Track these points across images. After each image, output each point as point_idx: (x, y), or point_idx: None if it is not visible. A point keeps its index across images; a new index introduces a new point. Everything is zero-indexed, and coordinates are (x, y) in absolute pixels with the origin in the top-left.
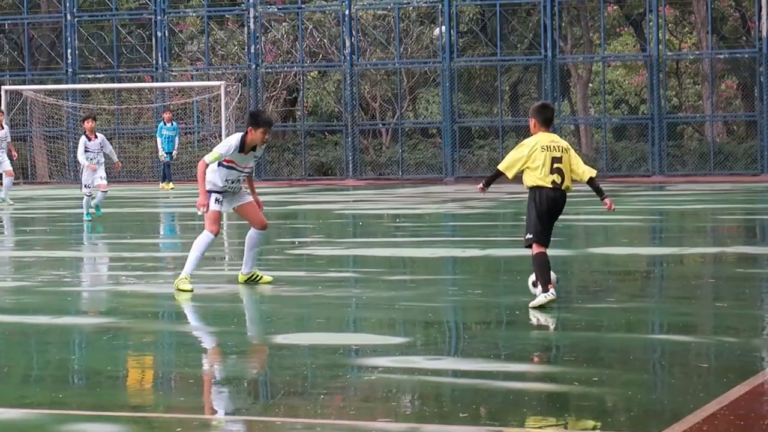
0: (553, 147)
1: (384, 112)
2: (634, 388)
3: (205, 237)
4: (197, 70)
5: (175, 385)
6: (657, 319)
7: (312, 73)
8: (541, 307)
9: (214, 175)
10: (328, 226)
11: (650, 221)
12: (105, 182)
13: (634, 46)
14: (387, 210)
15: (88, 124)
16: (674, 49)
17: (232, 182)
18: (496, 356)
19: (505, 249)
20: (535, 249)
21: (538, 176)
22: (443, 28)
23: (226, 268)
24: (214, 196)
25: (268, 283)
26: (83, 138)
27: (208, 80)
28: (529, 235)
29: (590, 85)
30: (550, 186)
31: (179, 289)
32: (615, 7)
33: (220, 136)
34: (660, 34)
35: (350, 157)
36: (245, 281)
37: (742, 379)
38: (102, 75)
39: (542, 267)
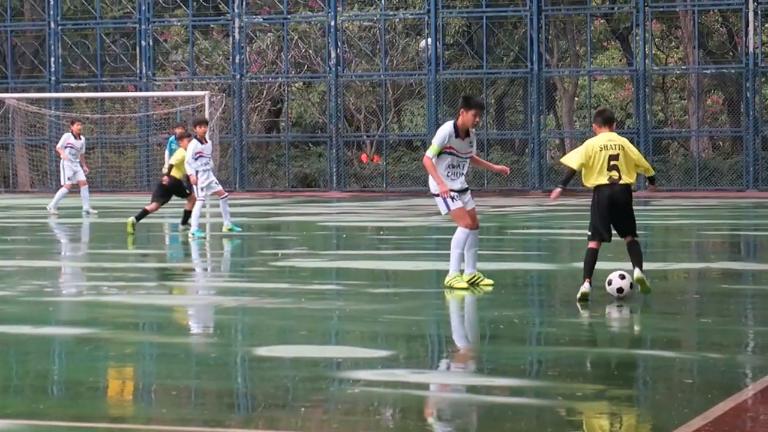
0: (610, 146)
1: (368, 123)
2: (618, 403)
3: (460, 233)
4: (181, 80)
5: (156, 397)
6: (641, 334)
7: (297, 84)
8: (582, 299)
9: (438, 169)
10: (312, 238)
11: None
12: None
13: (621, 60)
14: (371, 222)
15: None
16: (661, 63)
17: (454, 168)
18: (480, 370)
19: (488, 263)
20: (589, 245)
21: (596, 175)
22: (429, 40)
23: (210, 279)
24: (449, 195)
25: (490, 285)
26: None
27: (193, 90)
28: (588, 233)
29: (576, 98)
30: (608, 182)
31: (455, 288)
32: (602, 21)
33: None
34: (646, 49)
35: (334, 169)
36: (469, 282)
37: (726, 395)
38: (85, 84)
39: (587, 261)
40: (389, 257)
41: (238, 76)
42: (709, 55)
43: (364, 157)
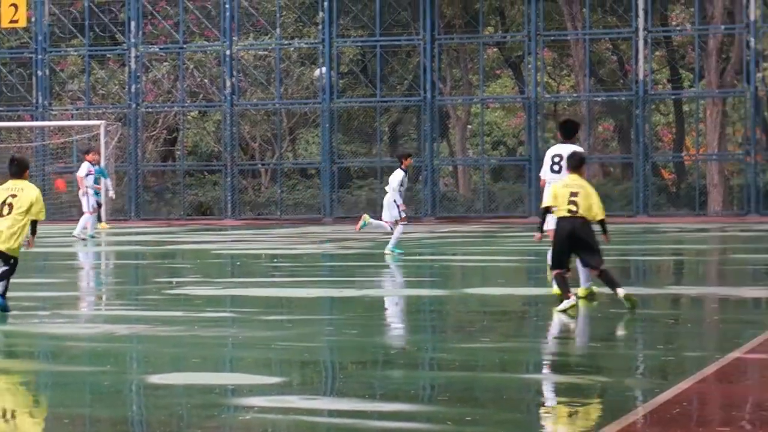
0: (572, 185)
1: (264, 152)
2: (507, 427)
3: None
4: (78, 110)
5: (48, 426)
6: (532, 358)
7: (192, 113)
8: (565, 311)
9: None
10: (206, 266)
11: (526, 261)
12: None
13: (513, 88)
14: (265, 250)
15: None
16: (552, 91)
17: None
18: (372, 396)
19: (381, 289)
20: (553, 273)
21: (559, 208)
22: (323, 69)
23: (103, 307)
24: None
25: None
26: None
27: (89, 119)
28: (549, 263)
29: (469, 126)
30: (568, 214)
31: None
32: (494, 50)
33: None
34: (538, 77)
35: (229, 197)
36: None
37: (613, 418)
38: None
39: (560, 282)
40: (283, 284)
41: (133, 105)
42: (600, 82)
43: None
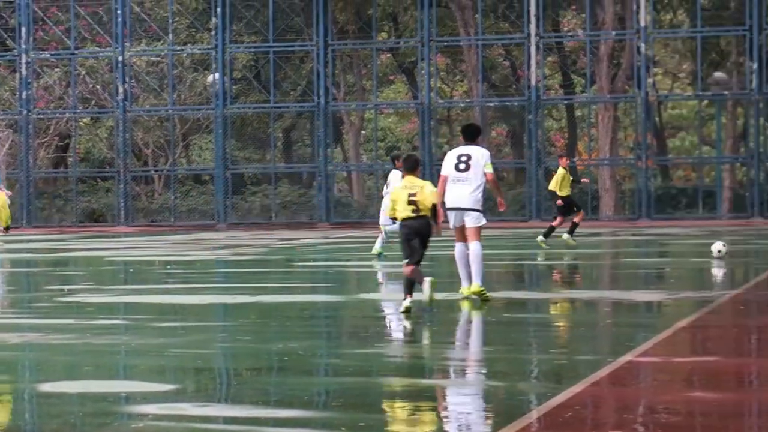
0: (410, 186)
1: (157, 158)
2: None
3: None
4: None
5: None
6: (426, 363)
7: (84, 120)
8: (407, 311)
9: None
10: (99, 273)
11: (421, 266)
12: None
13: (407, 94)
14: (158, 257)
15: None
16: (446, 96)
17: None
18: (266, 402)
19: (275, 295)
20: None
21: (401, 210)
22: (217, 74)
23: None
24: None
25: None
26: None
27: None
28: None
29: (363, 132)
30: (412, 215)
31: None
32: (388, 55)
33: None
34: (432, 82)
35: (122, 204)
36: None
37: (507, 422)
38: None
39: (406, 281)
40: (176, 291)
41: (24, 112)
42: (492, 88)
43: None
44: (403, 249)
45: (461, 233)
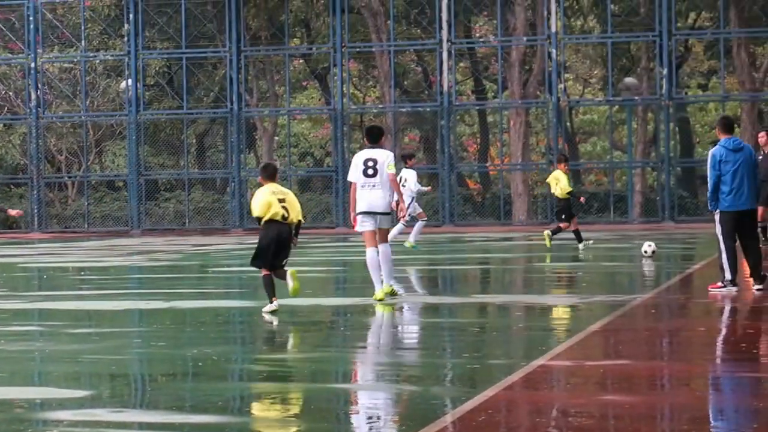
0: (278, 192)
1: (70, 164)
2: None
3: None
4: None
5: None
6: (340, 368)
7: None
8: (272, 313)
9: None
10: (12, 279)
11: (334, 272)
12: None
13: (319, 100)
14: (72, 263)
15: None
16: (358, 102)
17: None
18: (181, 408)
19: (189, 301)
20: (263, 274)
21: (270, 212)
22: (129, 81)
23: None
24: None
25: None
26: None
27: None
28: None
29: (276, 137)
30: (280, 219)
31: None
32: (300, 61)
33: None
34: (344, 88)
35: (35, 210)
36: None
37: (421, 426)
38: None
39: (266, 285)
40: (90, 297)
41: None
42: (405, 93)
43: None
44: (260, 252)
45: (373, 238)
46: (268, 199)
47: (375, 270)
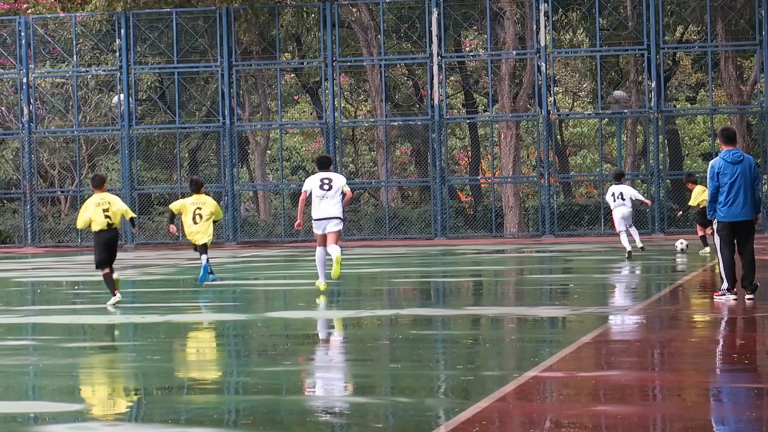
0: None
1: (63, 179)
2: None
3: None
4: None
5: None
6: (335, 380)
7: None
8: (115, 305)
9: None
10: (6, 294)
11: (327, 285)
12: None
13: (311, 114)
14: (66, 277)
15: None
16: (350, 116)
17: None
18: (176, 421)
19: (184, 314)
20: (103, 272)
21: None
22: (122, 95)
23: None
24: None
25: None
26: None
27: None
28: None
29: (268, 151)
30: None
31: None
32: (292, 76)
33: None
34: (336, 102)
35: (29, 225)
36: None
37: None
38: None
39: (106, 282)
40: (84, 311)
41: None
42: (396, 107)
43: None
44: (97, 256)
45: (324, 239)
46: (90, 216)
47: (321, 264)
